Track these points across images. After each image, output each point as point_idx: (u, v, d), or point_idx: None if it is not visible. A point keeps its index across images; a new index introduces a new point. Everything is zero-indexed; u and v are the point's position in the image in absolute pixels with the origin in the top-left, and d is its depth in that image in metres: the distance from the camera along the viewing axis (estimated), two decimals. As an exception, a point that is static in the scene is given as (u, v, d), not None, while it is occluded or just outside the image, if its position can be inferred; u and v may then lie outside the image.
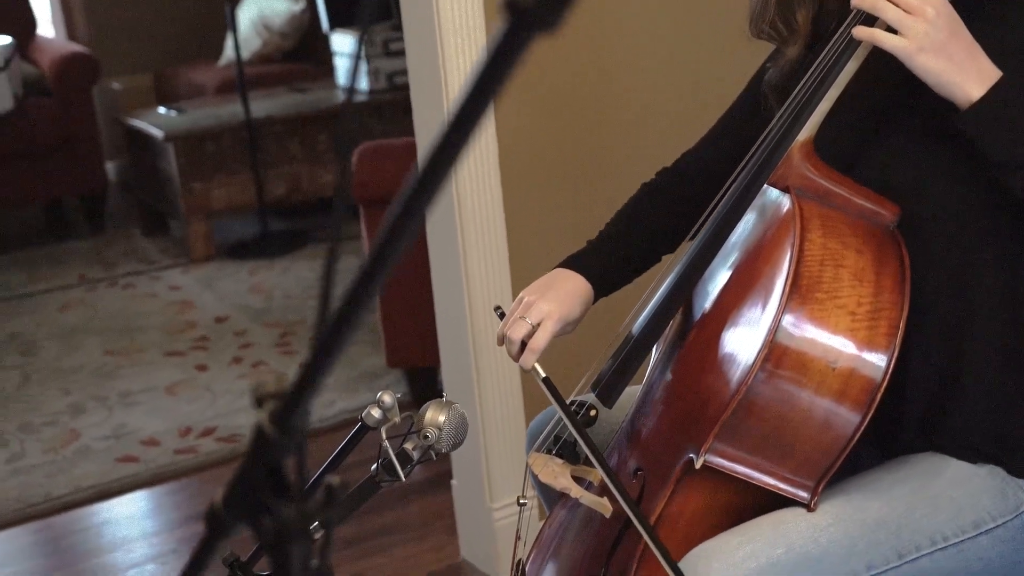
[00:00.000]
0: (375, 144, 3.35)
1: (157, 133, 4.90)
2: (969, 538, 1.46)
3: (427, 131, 2.52)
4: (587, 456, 1.72)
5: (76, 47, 5.64)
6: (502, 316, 1.66)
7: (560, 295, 1.63)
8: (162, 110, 5.26)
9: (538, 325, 1.60)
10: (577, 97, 2.56)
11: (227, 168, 4.93)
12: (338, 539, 2.80)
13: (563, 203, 2.56)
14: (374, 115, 5.04)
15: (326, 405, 3.53)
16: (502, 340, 1.63)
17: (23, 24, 5.68)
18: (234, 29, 5.10)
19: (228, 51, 5.97)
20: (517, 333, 1.60)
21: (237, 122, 4.92)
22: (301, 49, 5.90)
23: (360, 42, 0.68)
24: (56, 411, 3.63)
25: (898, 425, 1.53)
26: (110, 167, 5.74)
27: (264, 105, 5.07)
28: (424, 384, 3.36)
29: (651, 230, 1.74)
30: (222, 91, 5.57)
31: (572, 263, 1.69)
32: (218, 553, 1.30)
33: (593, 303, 1.67)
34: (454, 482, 2.69)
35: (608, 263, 1.70)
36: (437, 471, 2.99)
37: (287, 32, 5.83)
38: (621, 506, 1.56)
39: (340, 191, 0.73)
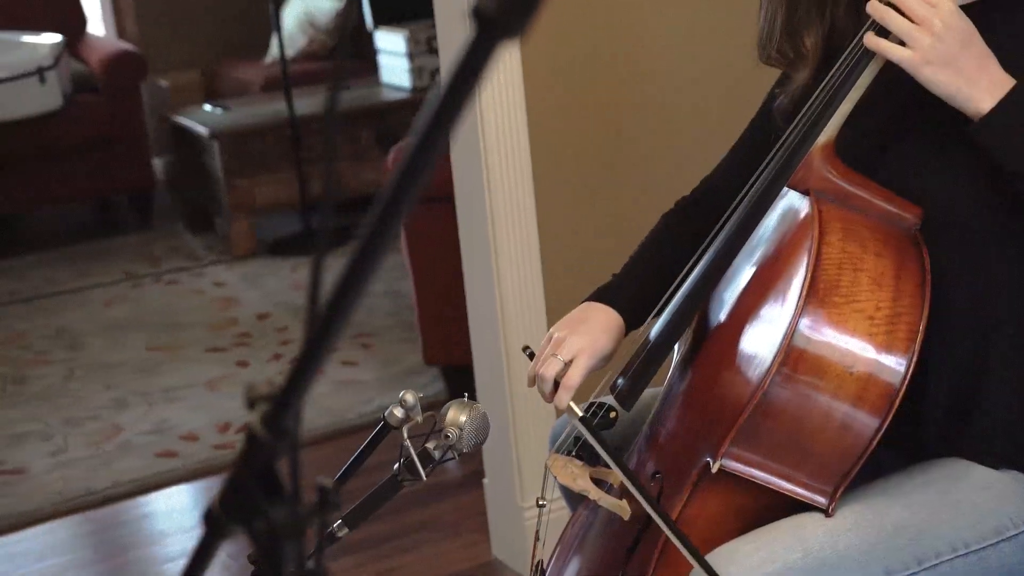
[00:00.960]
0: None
1: (202, 130, 4.95)
2: (990, 545, 1.45)
3: (460, 127, 2.52)
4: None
5: (124, 45, 5.71)
6: (531, 356, 1.62)
7: (592, 329, 1.58)
8: (208, 107, 5.31)
9: (571, 362, 1.56)
10: (610, 99, 2.55)
11: (271, 165, 4.96)
12: (370, 536, 2.81)
13: (595, 198, 2.56)
14: (418, 112, 5.06)
15: (364, 402, 3.55)
16: (533, 381, 1.59)
17: (73, 22, 5.75)
18: (278, 28, 5.13)
19: (274, 48, 6.01)
20: (550, 371, 1.55)
21: (281, 119, 4.95)
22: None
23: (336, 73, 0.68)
24: (99, 406, 3.67)
25: (920, 430, 1.51)
26: (157, 164, 5.80)
27: (308, 102, 5.09)
28: (461, 381, 3.37)
29: (674, 259, 1.67)
30: (268, 88, 5.61)
31: (601, 296, 1.65)
32: (244, 550, 1.31)
33: (625, 335, 1.63)
34: (486, 481, 2.70)
35: (637, 294, 1.65)
36: (470, 469, 3.00)
37: (332, 30, 5.86)
38: (639, 508, 1.56)
39: (327, 199, 0.74)
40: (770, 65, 1.63)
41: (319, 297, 0.81)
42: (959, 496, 1.46)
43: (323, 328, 0.78)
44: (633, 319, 1.63)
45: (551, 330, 1.61)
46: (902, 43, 1.39)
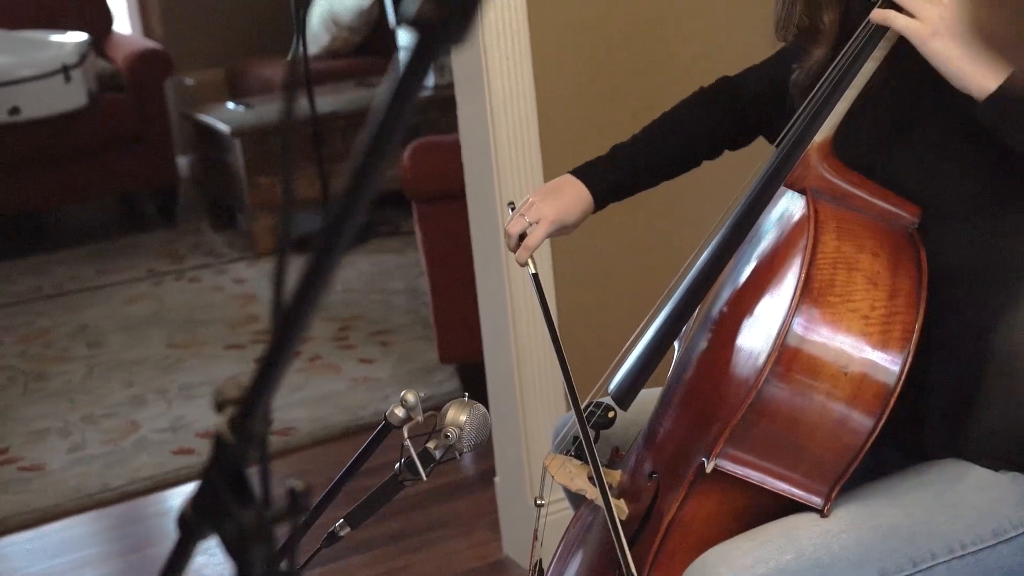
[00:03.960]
0: (427, 141, 3.36)
1: (224, 128, 4.97)
2: (988, 547, 1.44)
3: (471, 126, 2.52)
4: (609, 457, 1.72)
5: (149, 43, 5.73)
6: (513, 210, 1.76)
7: (559, 200, 1.71)
8: (231, 105, 5.33)
9: (535, 223, 1.68)
10: (624, 91, 2.54)
11: (292, 163, 4.97)
12: (383, 534, 2.82)
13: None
14: (439, 109, 5.06)
15: (381, 399, 3.55)
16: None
17: (99, 21, 5.79)
18: (299, 28, 5.15)
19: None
20: (514, 229, 1.70)
21: (303, 117, 4.96)
22: (369, 44, 5.94)
23: (298, 53, 0.68)
24: (118, 403, 3.70)
25: (921, 430, 1.51)
26: (181, 162, 5.83)
27: (331, 100, 5.11)
28: (476, 379, 3.37)
29: (673, 154, 1.79)
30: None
31: (583, 172, 1.76)
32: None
33: (594, 212, 1.75)
34: (497, 479, 2.70)
35: (614, 181, 1.76)
36: (482, 468, 3.00)
37: (356, 27, 5.87)
38: (637, 508, 1.56)
39: (285, 206, 0.74)
40: (789, 43, 1.62)
41: (282, 300, 0.81)
42: (957, 497, 1.45)
43: (284, 331, 0.78)
44: (601, 201, 1.76)
45: (529, 194, 1.75)
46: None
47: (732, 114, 1.80)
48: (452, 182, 2.87)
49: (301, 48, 5.02)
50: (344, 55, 5.93)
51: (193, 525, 0.92)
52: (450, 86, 5.21)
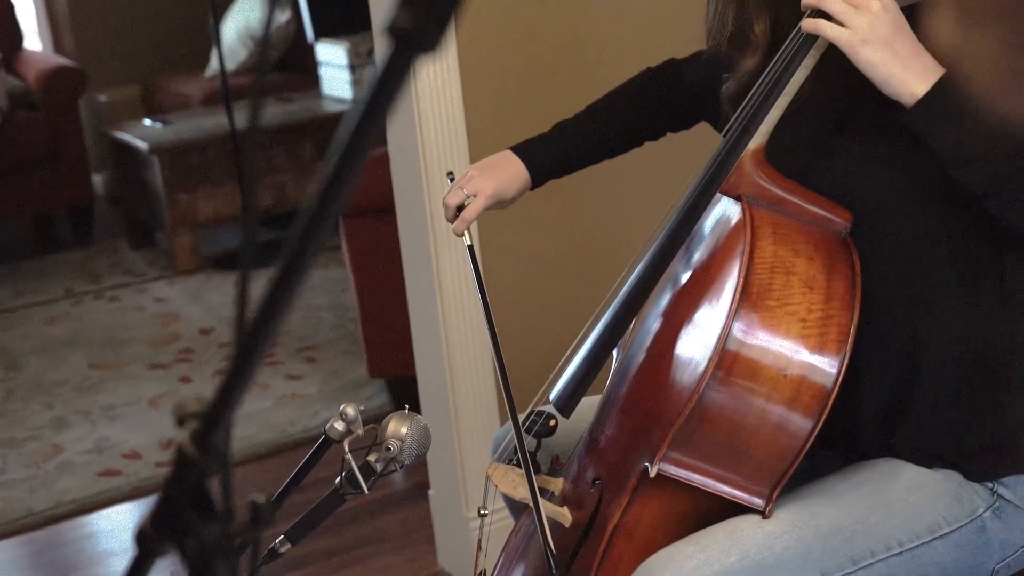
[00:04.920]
0: (352, 154, 3.35)
1: (142, 145, 4.91)
2: (924, 543, 1.47)
3: (399, 140, 2.52)
4: (550, 465, 1.73)
5: (62, 60, 5.65)
6: (452, 180, 1.79)
7: (497, 175, 1.77)
8: (148, 122, 5.27)
9: (473, 196, 1.73)
10: (554, 105, 2.56)
11: (212, 179, 4.94)
12: (317, 550, 2.80)
13: (538, 205, 2.56)
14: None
15: (310, 416, 3.53)
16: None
17: (9, 38, 5.69)
18: (218, 42, 5.11)
19: (214, 62, 5.99)
20: (451, 200, 1.75)
21: (222, 133, 4.92)
22: (287, 59, 5.91)
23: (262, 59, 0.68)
24: (39, 426, 3.63)
25: (855, 430, 1.54)
26: (97, 180, 5.75)
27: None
28: (406, 393, 3.36)
29: (612, 136, 1.85)
30: (208, 102, 5.58)
31: (522, 148, 1.81)
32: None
33: (532, 189, 1.81)
34: (431, 492, 2.70)
35: (552, 158, 1.82)
36: (416, 481, 2.99)
37: (273, 43, 5.83)
38: (581, 516, 1.57)
39: (247, 216, 0.74)
40: (720, 53, 1.64)
41: (246, 312, 0.81)
42: (892, 495, 1.48)
43: (250, 343, 0.78)
44: (539, 178, 1.82)
45: (471, 166, 1.80)
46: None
47: (674, 96, 1.84)
48: (379, 196, 2.87)
49: (220, 62, 4.99)
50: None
51: (152, 541, 0.91)
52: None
